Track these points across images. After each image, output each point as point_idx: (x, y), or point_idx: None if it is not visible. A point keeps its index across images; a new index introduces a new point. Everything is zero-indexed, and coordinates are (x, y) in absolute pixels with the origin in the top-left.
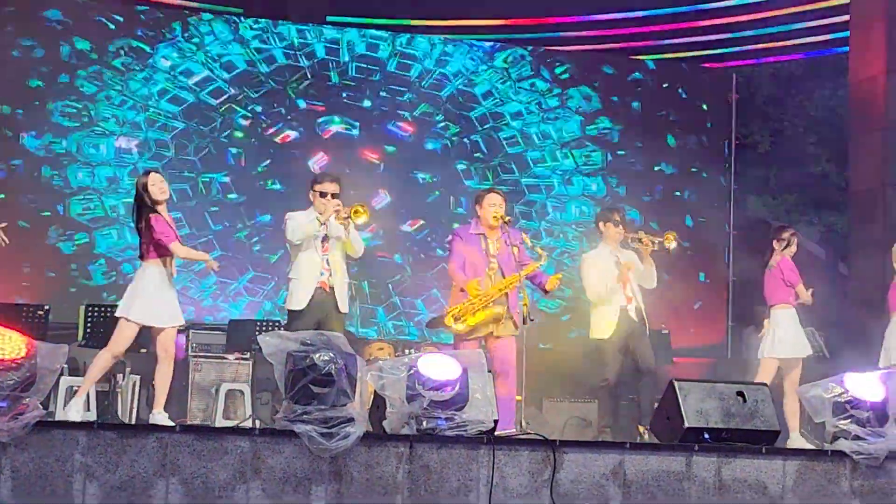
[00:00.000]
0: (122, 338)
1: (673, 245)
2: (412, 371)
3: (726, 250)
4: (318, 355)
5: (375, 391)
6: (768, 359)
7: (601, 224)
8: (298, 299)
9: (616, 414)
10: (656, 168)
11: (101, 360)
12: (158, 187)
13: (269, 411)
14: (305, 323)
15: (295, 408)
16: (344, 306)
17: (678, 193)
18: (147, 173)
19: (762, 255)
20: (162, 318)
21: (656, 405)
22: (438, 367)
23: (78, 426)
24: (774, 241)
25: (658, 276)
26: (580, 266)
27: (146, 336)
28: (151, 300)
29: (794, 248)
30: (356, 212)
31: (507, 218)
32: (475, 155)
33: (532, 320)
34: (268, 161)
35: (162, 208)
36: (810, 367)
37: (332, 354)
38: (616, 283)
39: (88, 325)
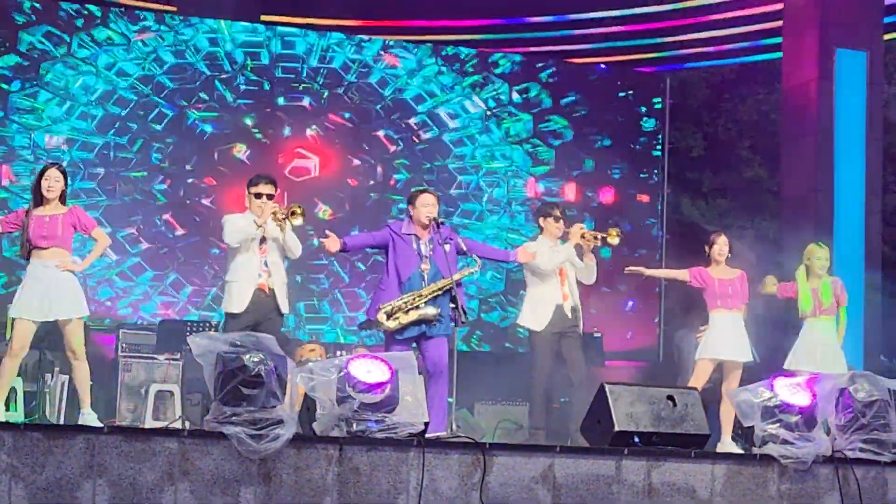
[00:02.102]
0: (15, 338)
1: (616, 241)
2: (343, 373)
3: (658, 254)
4: (247, 357)
5: (306, 393)
6: (703, 360)
7: (541, 219)
8: (237, 302)
9: (548, 416)
10: (587, 171)
11: (3, 364)
12: (48, 184)
13: (198, 413)
14: (244, 325)
15: (224, 409)
16: (284, 307)
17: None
18: (48, 167)
19: (694, 259)
20: (42, 311)
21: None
22: (369, 369)
23: (4, 427)
24: (706, 247)
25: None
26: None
27: None
28: (31, 294)
29: (720, 247)
30: (293, 213)
31: (441, 220)
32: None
33: (464, 322)
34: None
35: (48, 207)
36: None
37: (262, 356)
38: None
39: None
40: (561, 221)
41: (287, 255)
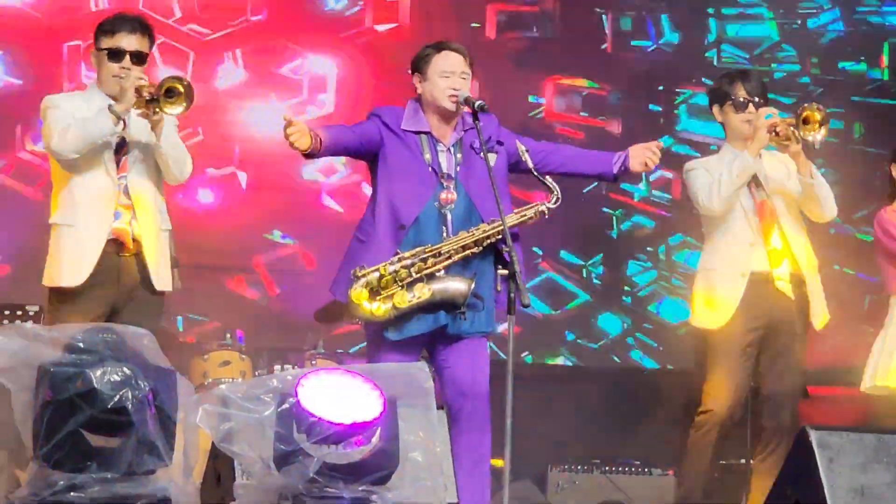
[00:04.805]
0: None
1: (819, 136)
2: (287, 405)
3: None
4: (99, 372)
5: (214, 445)
6: None
7: (715, 109)
8: (71, 266)
9: (713, 489)
10: None
11: None
12: None
13: (2, 484)
14: (86, 312)
15: (54, 477)
16: (163, 279)
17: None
18: None
19: None
20: None
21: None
22: (339, 397)
23: None
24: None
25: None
26: (685, 177)
27: None
28: None
29: None
30: (168, 90)
31: (480, 102)
32: None
33: (526, 306)
34: None
35: None
36: None
37: (126, 371)
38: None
39: None
40: (751, 107)
41: (164, 176)
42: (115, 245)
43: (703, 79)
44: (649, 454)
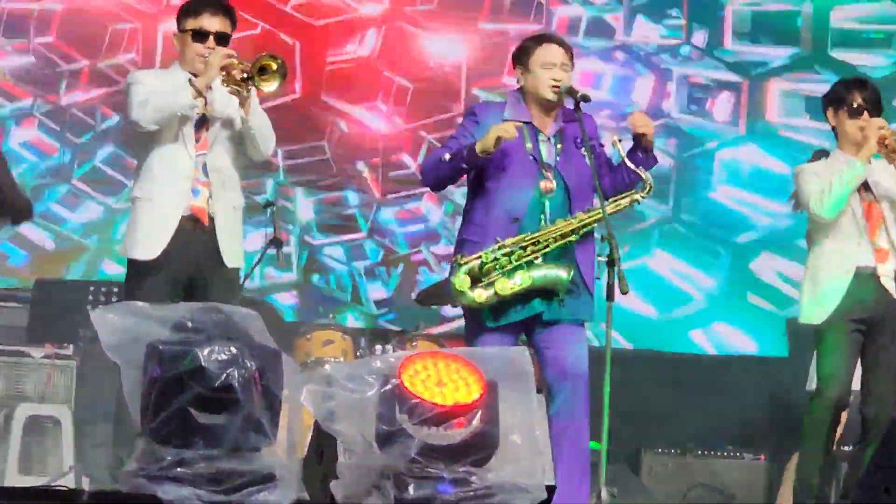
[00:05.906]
0: None
1: None
2: (390, 386)
3: None
4: (207, 351)
5: (317, 423)
6: None
7: (829, 113)
8: (147, 238)
9: (829, 476)
10: None
11: None
12: None
13: (107, 458)
14: (159, 285)
15: (161, 453)
16: (235, 255)
17: None
18: None
19: None
20: None
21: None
22: (440, 380)
23: None
24: None
25: None
26: (795, 180)
27: None
28: None
29: None
30: (262, 69)
31: (582, 93)
32: None
33: (625, 292)
34: None
35: None
36: None
37: (234, 350)
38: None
39: None
40: (865, 115)
41: (249, 152)
42: (192, 222)
43: None
44: (741, 439)
